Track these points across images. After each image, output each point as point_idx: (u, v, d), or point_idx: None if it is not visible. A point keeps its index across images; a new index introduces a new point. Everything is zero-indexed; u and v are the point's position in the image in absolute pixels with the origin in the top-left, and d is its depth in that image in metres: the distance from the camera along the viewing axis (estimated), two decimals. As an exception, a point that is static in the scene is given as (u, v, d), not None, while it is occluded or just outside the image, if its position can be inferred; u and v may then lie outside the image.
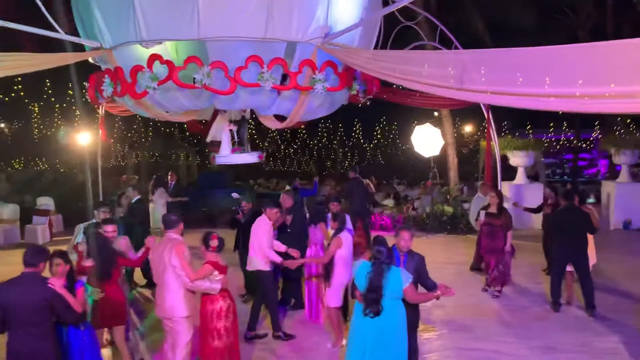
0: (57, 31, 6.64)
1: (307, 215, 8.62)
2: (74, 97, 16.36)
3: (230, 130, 7.85)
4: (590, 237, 7.84)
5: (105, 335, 6.01)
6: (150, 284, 8.48)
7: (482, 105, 11.15)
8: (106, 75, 7.11)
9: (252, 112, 8.18)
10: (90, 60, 7.87)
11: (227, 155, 7.83)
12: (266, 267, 6.69)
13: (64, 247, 5.83)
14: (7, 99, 19.14)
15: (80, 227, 6.60)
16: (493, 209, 8.52)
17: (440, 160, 17.05)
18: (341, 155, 32.62)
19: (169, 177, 13.20)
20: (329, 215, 7.12)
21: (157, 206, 12.26)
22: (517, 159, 14.82)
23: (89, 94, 7.81)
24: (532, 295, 8.60)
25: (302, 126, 27.49)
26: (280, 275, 7.72)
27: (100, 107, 10.15)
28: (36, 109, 20.88)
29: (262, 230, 6.68)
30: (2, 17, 6.24)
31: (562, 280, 7.87)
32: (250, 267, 6.92)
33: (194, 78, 6.49)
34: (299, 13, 6.49)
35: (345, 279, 6.46)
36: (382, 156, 32.09)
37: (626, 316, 7.46)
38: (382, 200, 18.12)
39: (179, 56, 7.22)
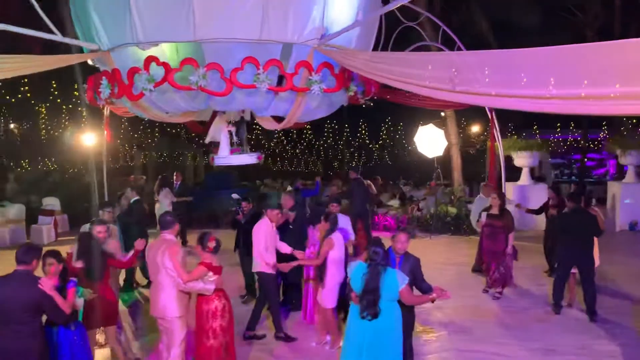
0: (55, 34, 6.69)
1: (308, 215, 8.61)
2: (80, 98, 16.48)
3: (229, 131, 7.87)
4: (594, 239, 7.77)
5: (98, 336, 6.03)
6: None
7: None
8: (104, 77, 7.16)
9: (251, 113, 8.20)
10: (89, 62, 7.93)
11: (226, 156, 7.85)
12: (268, 269, 6.68)
13: (68, 247, 5.89)
14: (13, 100, 19.30)
15: (85, 228, 6.67)
16: (495, 210, 8.48)
17: (445, 161, 17.01)
18: (348, 155, 32.59)
19: (175, 177, 13.36)
20: None
21: (163, 206, 12.37)
22: (522, 159, 14.76)
23: (87, 95, 7.87)
24: (533, 297, 8.55)
25: (307, 126, 27.63)
26: (281, 277, 7.72)
27: (105, 108, 10.20)
28: (43, 109, 21.04)
29: (261, 232, 6.69)
30: (10, 19, 6.34)
31: (566, 282, 7.81)
32: (253, 269, 6.94)
33: (190, 79, 6.50)
34: (294, 14, 6.48)
35: (338, 280, 6.46)
36: (388, 156, 32.03)
37: (627, 319, 7.41)
38: (387, 201, 18.09)
39: (180, 57, 7.24)
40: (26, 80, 17.95)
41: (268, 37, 6.45)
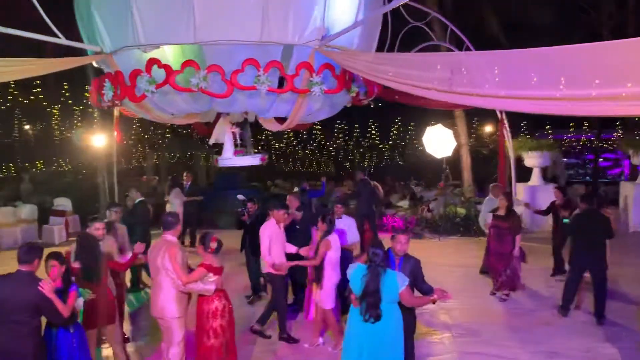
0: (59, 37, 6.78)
1: (315, 216, 8.62)
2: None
3: (233, 132, 7.90)
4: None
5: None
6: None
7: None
8: (106, 79, 7.23)
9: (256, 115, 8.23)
10: (94, 64, 8.02)
11: (229, 158, 7.88)
12: (277, 271, 6.70)
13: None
14: (26, 101, 19.58)
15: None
16: (501, 212, 8.39)
17: (455, 162, 16.91)
18: (359, 156, 32.55)
19: (185, 178, 13.52)
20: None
21: (174, 206, 12.53)
22: (532, 159, 14.59)
23: (91, 97, 7.96)
24: (540, 299, 8.46)
25: (317, 125, 27.61)
26: (290, 278, 7.71)
27: (115, 109, 10.31)
28: (55, 111, 21.33)
29: (265, 234, 6.71)
30: (25, 21, 6.45)
31: (579, 286, 7.68)
32: (262, 269, 6.96)
33: (191, 81, 6.53)
34: (295, 15, 6.47)
35: (335, 281, 6.46)
36: (400, 157, 31.93)
37: (634, 322, 7.28)
38: (397, 202, 18.02)
39: (186, 59, 7.28)
40: (38, 82, 18.21)
41: (268, 38, 6.46)
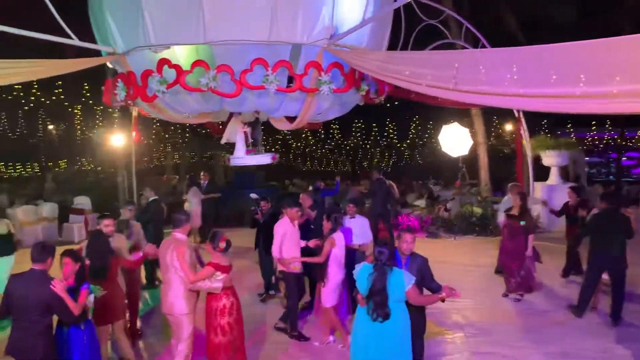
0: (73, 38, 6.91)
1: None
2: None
3: (245, 132, 7.95)
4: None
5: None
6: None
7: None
8: (119, 80, 7.34)
9: (268, 114, 8.28)
10: (108, 65, 8.14)
11: (241, 157, 7.93)
12: (289, 268, 6.73)
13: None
14: (48, 102, 19.93)
15: None
16: (514, 211, 8.30)
17: (473, 160, 16.75)
18: (378, 155, 32.40)
19: (202, 177, 13.64)
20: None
21: (192, 204, 12.67)
22: (550, 158, 14.35)
23: (104, 97, 8.08)
24: (555, 299, 8.33)
25: (334, 125, 27.55)
26: (307, 276, 7.71)
27: (133, 109, 10.46)
28: (77, 111, 21.68)
29: (278, 232, 6.73)
30: (45, 24, 6.60)
31: (597, 287, 7.54)
32: (277, 267, 6.99)
33: (200, 81, 6.60)
34: (303, 14, 6.50)
35: (339, 279, 6.47)
36: (419, 156, 31.71)
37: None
38: (413, 201, 17.92)
39: (200, 58, 7.33)
40: (60, 82, 18.51)
41: (277, 38, 6.50)
